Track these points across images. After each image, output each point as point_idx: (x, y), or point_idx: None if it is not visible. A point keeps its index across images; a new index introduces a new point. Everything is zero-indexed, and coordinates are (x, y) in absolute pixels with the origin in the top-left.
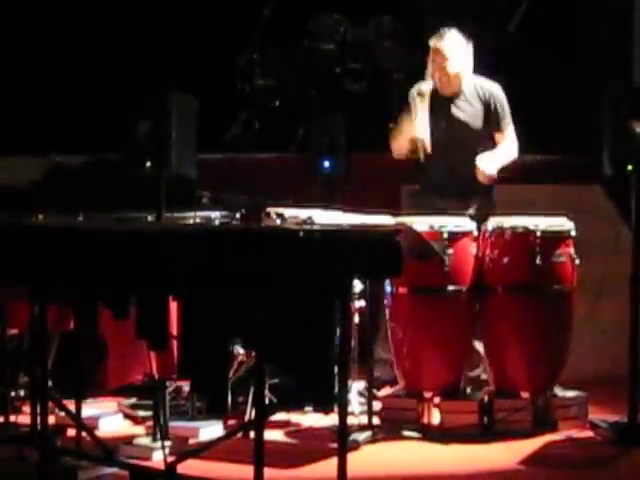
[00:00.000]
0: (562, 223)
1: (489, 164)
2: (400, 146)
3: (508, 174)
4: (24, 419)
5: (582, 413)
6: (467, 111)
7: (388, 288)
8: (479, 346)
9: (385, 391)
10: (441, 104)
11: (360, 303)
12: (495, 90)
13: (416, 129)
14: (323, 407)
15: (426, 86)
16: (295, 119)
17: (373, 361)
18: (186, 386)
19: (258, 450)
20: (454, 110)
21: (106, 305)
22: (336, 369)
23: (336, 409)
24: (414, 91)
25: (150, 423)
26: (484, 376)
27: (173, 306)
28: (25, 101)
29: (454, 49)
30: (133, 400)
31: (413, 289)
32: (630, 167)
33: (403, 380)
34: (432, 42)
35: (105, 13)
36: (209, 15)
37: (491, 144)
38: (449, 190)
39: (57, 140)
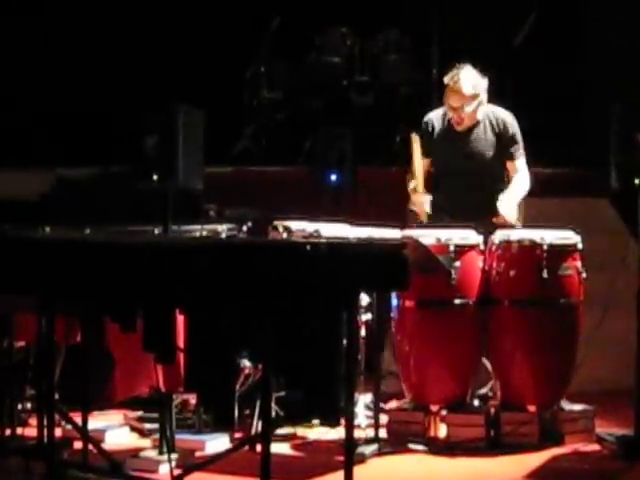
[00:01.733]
0: (569, 236)
1: (509, 210)
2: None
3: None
4: (31, 432)
5: (589, 427)
6: (480, 142)
7: (395, 301)
8: (488, 364)
9: (392, 404)
10: (455, 136)
11: (367, 316)
12: (508, 119)
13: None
14: (329, 420)
15: (435, 117)
16: (302, 132)
17: (380, 374)
18: (193, 399)
19: (265, 463)
20: (468, 142)
21: (113, 318)
22: (343, 382)
23: (342, 422)
24: (427, 121)
25: (157, 436)
26: (491, 394)
27: (180, 319)
28: (31, 114)
29: (469, 90)
30: (140, 413)
31: (420, 302)
32: (637, 181)
33: (409, 393)
34: (447, 81)
35: (112, 25)
36: (216, 28)
37: (504, 173)
38: (462, 219)
39: (64, 153)
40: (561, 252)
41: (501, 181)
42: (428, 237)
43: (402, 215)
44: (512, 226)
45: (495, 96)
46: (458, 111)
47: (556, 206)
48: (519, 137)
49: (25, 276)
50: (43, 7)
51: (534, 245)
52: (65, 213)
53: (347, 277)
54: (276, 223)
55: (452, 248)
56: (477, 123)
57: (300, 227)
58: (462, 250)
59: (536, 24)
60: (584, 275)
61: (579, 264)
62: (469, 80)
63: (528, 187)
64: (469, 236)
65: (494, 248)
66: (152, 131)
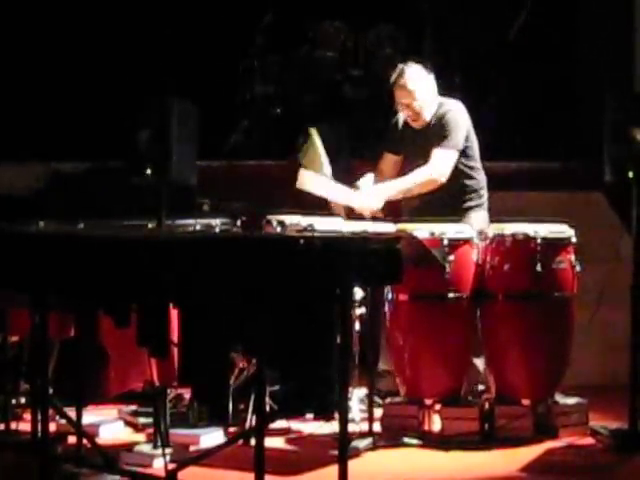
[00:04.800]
0: (563, 230)
1: (369, 199)
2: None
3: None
4: (25, 426)
5: (583, 420)
6: (430, 141)
7: (389, 295)
8: (479, 363)
9: (387, 401)
10: (411, 137)
11: (361, 310)
12: (448, 109)
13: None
14: (324, 414)
15: (402, 115)
16: (295, 126)
17: (375, 371)
18: (187, 393)
19: (259, 457)
20: (422, 142)
21: (107, 313)
22: (337, 376)
23: (337, 416)
24: (399, 117)
25: (151, 430)
26: (481, 387)
27: (174, 313)
28: (25, 108)
29: (416, 85)
30: (134, 407)
31: (414, 296)
32: (631, 174)
33: (404, 387)
34: (392, 79)
35: (105, 19)
36: (210, 22)
37: (464, 172)
38: (430, 210)
39: (57, 147)
40: (555, 246)
41: (460, 179)
42: (422, 231)
43: (397, 209)
44: (378, 213)
45: (489, 90)
46: (410, 107)
47: (550, 199)
48: (452, 127)
49: (19, 271)
50: (38, 2)
51: (528, 239)
52: (59, 208)
53: (341, 271)
54: (270, 217)
55: (446, 242)
56: (430, 121)
57: (294, 221)
58: (456, 244)
59: (529, 17)
60: (578, 268)
61: (573, 257)
62: (413, 75)
63: (419, 180)
64: (463, 230)
65: (488, 242)
66: (145, 125)
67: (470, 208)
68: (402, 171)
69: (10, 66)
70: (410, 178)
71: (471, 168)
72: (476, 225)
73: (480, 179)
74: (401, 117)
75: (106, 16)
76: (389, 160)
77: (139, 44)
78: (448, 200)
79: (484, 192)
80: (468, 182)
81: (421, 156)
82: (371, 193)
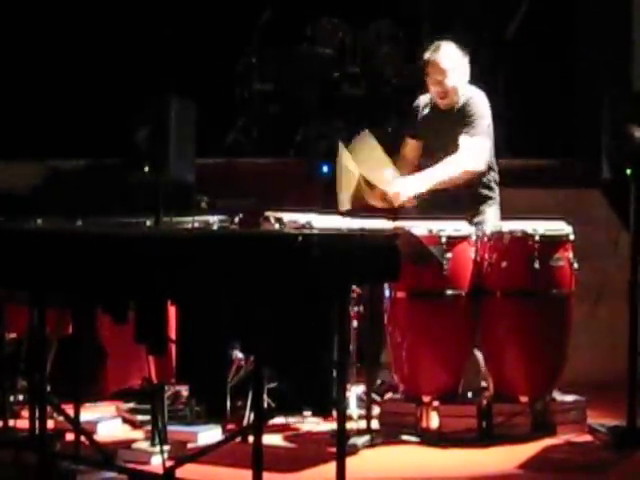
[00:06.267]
0: (561, 227)
1: (404, 189)
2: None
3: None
4: (23, 424)
5: (581, 417)
6: (459, 126)
7: (387, 292)
8: (480, 356)
9: (388, 396)
10: (436, 119)
11: (358, 307)
12: (473, 95)
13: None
14: (322, 411)
15: (423, 99)
16: (294, 123)
17: (377, 366)
18: (185, 390)
19: (257, 454)
20: (447, 125)
21: (105, 310)
22: (334, 373)
23: (334, 413)
24: (417, 104)
25: (149, 427)
26: (484, 384)
27: (172, 311)
28: (24, 105)
29: (451, 62)
30: (132, 404)
31: (411, 293)
32: (629, 171)
33: (402, 384)
34: (428, 55)
35: (104, 16)
36: (208, 20)
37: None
38: (446, 204)
39: (56, 144)
40: (553, 243)
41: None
42: (420, 228)
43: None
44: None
45: (487, 88)
46: (442, 84)
47: (548, 197)
48: (477, 115)
49: (17, 268)
50: (37, 1)
51: (526, 236)
52: (57, 205)
53: (339, 268)
54: (268, 214)
55: (444, 239)
56: (457, 105)
57: (292, 218)
58: (454, 241)
59: (527, 16)
60: (576, 266)
61: (571, 255)
62: (449, 52)
63: (457, 171)
64: (461, 227)
65: (486, 239)
66: (144, 123)
67: (486, 202)
68: (423, 154)
69: (8, 64)
70: (442, 171)
71: (489, 162)
72: (491, 220)
73: (495, 173)
74: (422, 101)
75: (104, 14)
76: (412, 146)
77: (138, 42)
78: (465, 193)
79: (497, 187)
80: (486, 176)
81: (447, 139)
82: (409, 183)
